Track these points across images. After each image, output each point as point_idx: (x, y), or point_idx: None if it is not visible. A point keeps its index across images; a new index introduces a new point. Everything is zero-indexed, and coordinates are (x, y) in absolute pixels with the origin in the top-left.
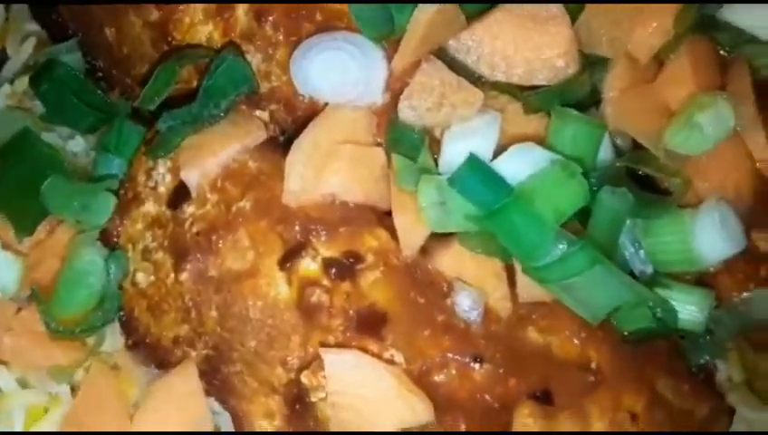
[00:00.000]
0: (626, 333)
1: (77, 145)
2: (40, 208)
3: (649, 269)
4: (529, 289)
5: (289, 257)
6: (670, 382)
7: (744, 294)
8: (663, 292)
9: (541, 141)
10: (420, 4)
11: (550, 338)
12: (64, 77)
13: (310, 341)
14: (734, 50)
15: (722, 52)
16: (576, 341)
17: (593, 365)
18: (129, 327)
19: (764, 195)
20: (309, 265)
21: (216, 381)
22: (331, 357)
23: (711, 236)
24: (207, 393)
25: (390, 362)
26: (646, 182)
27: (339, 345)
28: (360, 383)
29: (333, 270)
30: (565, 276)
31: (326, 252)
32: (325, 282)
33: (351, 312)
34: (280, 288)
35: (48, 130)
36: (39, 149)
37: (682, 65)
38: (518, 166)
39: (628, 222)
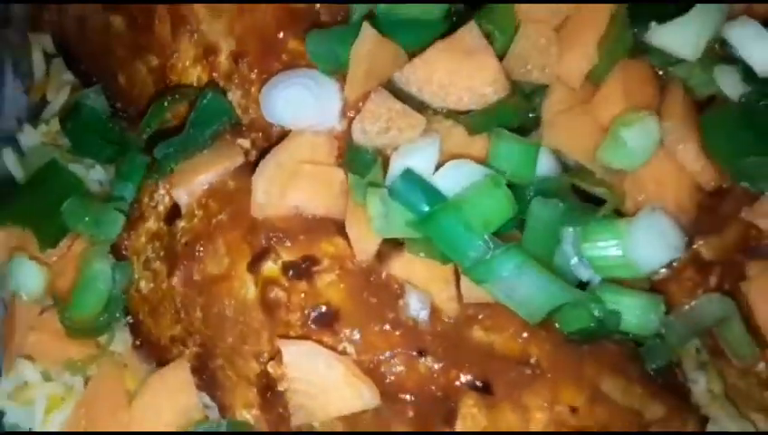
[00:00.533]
0: (568, 334)
1: (98, 174)
2: (62, 226)
3: (597, 278)
4: (471, 291)
5: (256, 262)
6: (620, 383)
7: (693, 300)
8: (612, 298)
9: (483, 161)
10: (357, 40)
11: (493, 336)
12: (87, 117)
13: (274, 335)
14: (667, 71)
15: (660, 73)
16: (519, 339)
17: (533, 360)
18: (135, 329)
19: (705, 205)
20: (270, 267)
21: (205, 376)
22: (288, 348)
23: (646, 243)
24: (199, 388)
25: (343, 353)
26: (592, 198)
27: (298, 338)
28: (313, 371)
29: (291, 272)
30: (495, 277)
31: (286, 256)
32: (284, 281)
33: (307, 308)
34: (249, 289)
35: (75, 161)
36: (63, 177)
37: (614, 86)
38: (454, 179)
39: (570, 231)
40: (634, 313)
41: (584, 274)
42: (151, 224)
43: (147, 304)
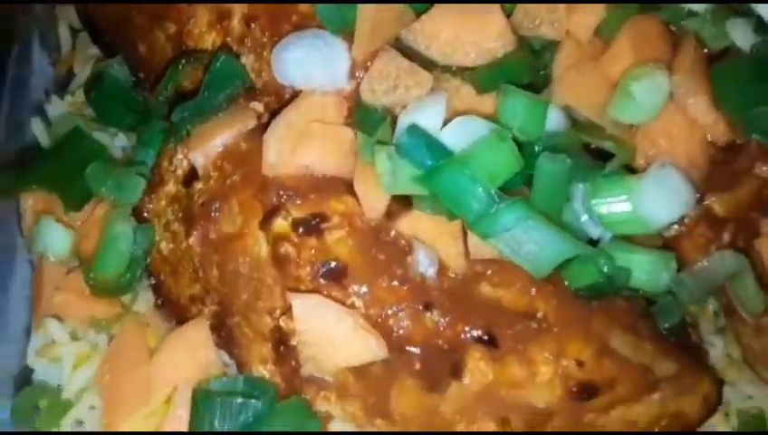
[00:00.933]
0: (576, 290)
1: (120, 141)
2: (86, 191)
3: (607, 235)
4: (478, 247)
5: (267, 219)
6: (630, 339)
7: (706, 257)
8: (622, 255)
9: (491, 118)
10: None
11: (501, 292)
12: (109, 86)
13: (285, 290)
14: (679, 26)
15: (673, 29)
16: (526, 295)
17: (539, 315)
18: (157, 290)
19: (718, 160)
20: (281, 224)
21: (223, 333)
22: (297, 301)
23: (656, 199)
24: (218, 346)
25: (352, 307)
26: (603, 155)
27: (308, 292)
28: (322, 324)
29: (301, 228)
30: (500, 231)
31: (296, 213)
32: (293, 238)
33: (316, 264)
34: (262, 247)
35: (99, 129)
36: (87, 143)
37: (624, 42)
38: (461, 135)
39: (580, 188)
40: (644, 269)
41: (594, 231)
42: (170, 187)
43: (167, 264)
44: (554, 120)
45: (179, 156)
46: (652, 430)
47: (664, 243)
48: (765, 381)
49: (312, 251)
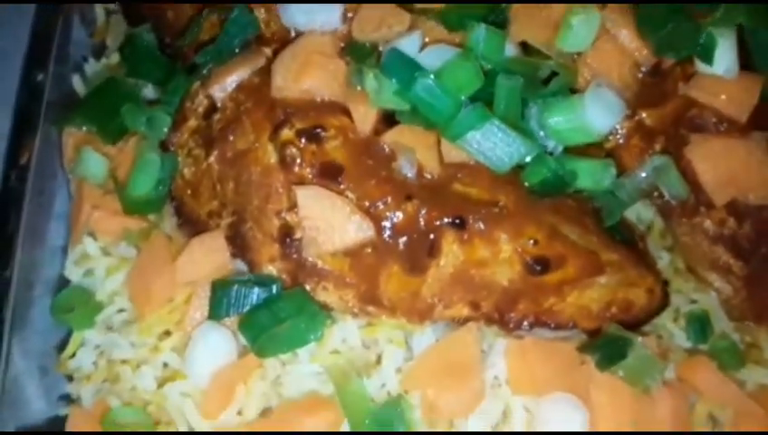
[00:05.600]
0: (531, 186)
1: (150, 92)
2: (120, 127)
3: (559, 148)
4: (449, 151)
5: (275, 131)
6: (576, 230)
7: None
8: (571, 163)
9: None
10: None
11: (470, 189)
12: (140, 45)
13: (291, 188)
14: None
15: None
16: (490, 189)
17: (501, 204)
18: (179, 211)
19: (647, 83)
20: (287, 133)
21: (237, 241)
22: (301, 192)
23: (594, 111)
24: (233, 256)
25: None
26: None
27: None
28: (321, 210)
29: (303, 136)
30: (464, 131)
31: (300, 125)
32: (297, 143)
33: (316, 164)
34: (271, 156)
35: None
36: (121, 87)
37: None
38: (434, 58)
39: (534, 109)
40: (589, 173)
41: (549, 145)
42: (192, 122)
43: (189, 187)
44: (511, 52)
45: (200, 97)
46: (603, 316)
47: (605, 154)
48: (703, 278)
49: (313, 154)
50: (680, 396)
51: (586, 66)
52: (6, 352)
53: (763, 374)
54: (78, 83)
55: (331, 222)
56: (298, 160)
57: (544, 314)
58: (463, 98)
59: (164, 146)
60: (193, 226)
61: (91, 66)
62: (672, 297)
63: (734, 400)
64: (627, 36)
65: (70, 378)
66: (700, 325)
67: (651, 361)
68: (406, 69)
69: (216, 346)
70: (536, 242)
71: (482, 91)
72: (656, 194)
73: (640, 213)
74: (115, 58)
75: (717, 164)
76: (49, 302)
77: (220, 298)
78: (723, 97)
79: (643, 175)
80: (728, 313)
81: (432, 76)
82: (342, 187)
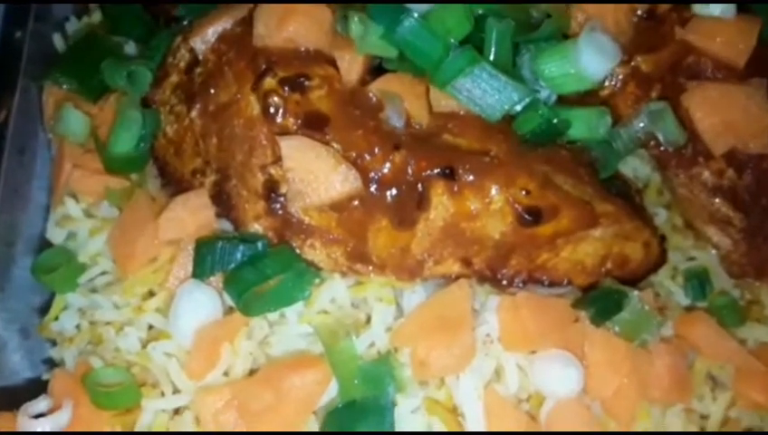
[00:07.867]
0: (522, 135)
1: (131, 48)
2: (101, 84)
3: (553, 96)
4: (439, 99)
5: (258, 81)
6: (570, 180)
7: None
8: (564, 112)
9: None
10: None
11: (459, 139)
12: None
13: (275, 140)
14: None
15: None
16: (480, 139)
17: (492, 153)
18: (163, 171)
19: (642, 28)
20: (269, 82)
21: (223, 198)
22: (285, 142)
23: (589, 56)
24: (218, 215)
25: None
26: None
27: None
28: (306, 160)
29: (287, 85)
30: (454, 76)
31: (283, 73)
32: (281, 91)
33: (301, 114)
34: (254, 108)
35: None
36: (102, 43)
37: None
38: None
39: (526, 56)
40: (584, 121)
41: (542, 95)
42: (174, 78)
43: (172, 145)
44: None
45: (182, 51)
46: (598, 272)
47: (600, 102)
48: (701, 232)
49: (297, 104)
50: (678, 353)
51: (580, 10)
52: None
53: (764, 332)
54: (59, 41)
55: (316, 173)
56: (281, 110)
57: (538, 270)
58: (452, 42)
59: (146, 103)
60: (177, 186)
61: (72, 24)
62: (670, 255)
63: (734, 356)
64: None
65: (53, 342)
66: (699, 282)
67: (647, 314)
68: (393, 12)
69: (201, 304)
70: (528, 192)
71: (472, 37)
72: (652, 143)
73: (637, 169)
74: (97, 17)
75: (715, 111)
76: (30, 261)
77: (204, 256)
78: (720, 40)
79: (640, 123)
80: (728, 270)
81: (421, 17)
82: (328, 138)
